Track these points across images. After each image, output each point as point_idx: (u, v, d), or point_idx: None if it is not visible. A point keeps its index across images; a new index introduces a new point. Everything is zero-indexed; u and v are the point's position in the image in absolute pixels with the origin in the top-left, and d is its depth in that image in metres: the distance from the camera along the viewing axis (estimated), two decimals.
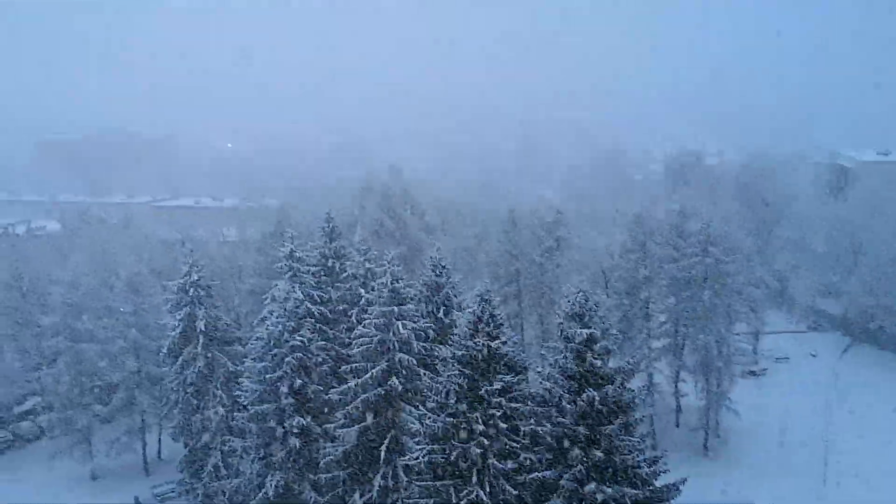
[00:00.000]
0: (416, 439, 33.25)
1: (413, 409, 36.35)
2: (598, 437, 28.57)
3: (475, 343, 31.25)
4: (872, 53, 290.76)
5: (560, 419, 29.33)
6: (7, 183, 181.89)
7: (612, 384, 29.21)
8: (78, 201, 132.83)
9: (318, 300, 45.97)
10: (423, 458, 31.60)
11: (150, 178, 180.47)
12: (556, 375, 29.89)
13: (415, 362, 37.71)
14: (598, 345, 29.48)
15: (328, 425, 40.97)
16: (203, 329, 48.71)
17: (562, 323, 30.60)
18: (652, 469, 29.74)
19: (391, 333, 37.57)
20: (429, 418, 31.79)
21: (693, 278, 57.70)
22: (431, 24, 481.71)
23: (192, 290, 49.18)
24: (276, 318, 43.07)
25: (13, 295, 67.58)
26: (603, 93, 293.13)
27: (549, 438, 29.70)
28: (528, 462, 30.42)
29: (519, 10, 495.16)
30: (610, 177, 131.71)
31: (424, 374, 37.53)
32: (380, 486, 37.44)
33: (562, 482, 28.36)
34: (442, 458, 31.27)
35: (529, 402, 31.23)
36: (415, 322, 38.84)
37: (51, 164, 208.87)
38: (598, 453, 28.17)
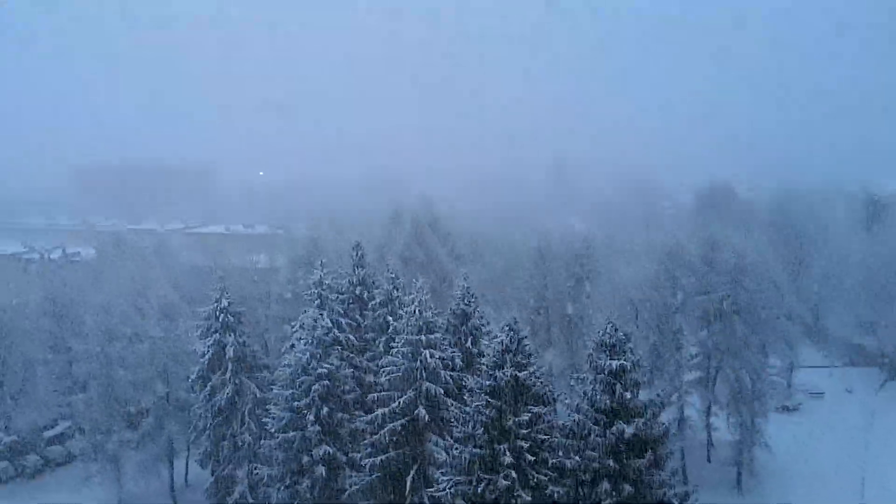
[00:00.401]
0: (443, 470, 32.97)
1: (440, 439, 36.10)
2: (627, 470, 28.12)
3: (503, 373, 31.05)
4: None
5: (589, 452, 28.92)
6: (44, 208, 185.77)
7: (642, 417, 28.80)
8: (113, 227, 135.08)
9: (347, 328, 46.14)
10: (449, 489, 31.30)
11: (184, 205, 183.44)
12: (585, 407, 29.55)
13: (442, 392, 37.53)
14: (628, 377, 29.14)
15: (354, 454, 40.81)
16: (232, 356, 49.01)
17: (591, 354, 30.34)
18: None
19: (418, 362, 37.48)
20: (455, 449, 31.54)
21: (725, 310, 56.80)
22: (462, 57, 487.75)
23: (221, 316, 49.62)
24: (304, 345, 43.19)
25: (47, 320, 68.54)
26: (632, 125, 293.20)
27: (577, 471, 29.26)
28: (555, 495, 29.97)
29: (549, 46, 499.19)
30: (640, 207, 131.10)
31: (452, 403, 37.28)
32: None
33: None
34: (468, 490, 30.92)
35: (558, 434, 30.87)
36: (442, 351, 38.73)
37: (87, 190, 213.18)
38: (628, 487, 27.70)
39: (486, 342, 39.57)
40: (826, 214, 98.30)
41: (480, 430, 31.02)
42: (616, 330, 30.00)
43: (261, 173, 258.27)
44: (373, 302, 47.99)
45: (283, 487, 43.68)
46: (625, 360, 29.18)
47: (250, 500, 48.36)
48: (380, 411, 37.68)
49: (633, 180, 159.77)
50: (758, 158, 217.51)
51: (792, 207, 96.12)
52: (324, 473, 41.92)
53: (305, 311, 45.19)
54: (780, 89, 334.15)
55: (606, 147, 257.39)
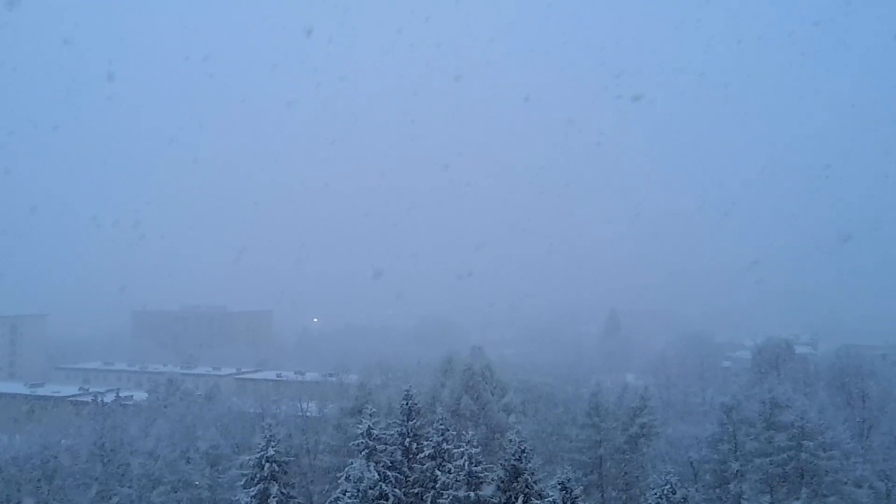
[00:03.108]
0: None
1: None
2: None
3: None
4: None
5: None
6: (102, 353, 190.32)
7: None
8: (167, 371, 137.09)
9: (394, 481, 44.99)
10: None
11: (239, 350, 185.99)
12: None
13: None
14: None
15: None
16: None
17: None
18: None
19: None
20: None
21: (788, 474, 54.02)
22: (515, 207, 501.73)
23: (266, 465, 49.02)
24: (350, 498, 42.20)
25: (95, 465, 68.60)
26: (689, 282, 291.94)
27: None
28: None
29: (605, 202, 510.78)
30: (696, 364, 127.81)
31: None
32: None
33: None
34: None
35: None
36: None
37: (145, 336, 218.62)
38: None
39: (538, 500, 38.05)
40: (891, 375, 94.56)
41: None
42: (674, 491, 28.73)
43: (315, 320, 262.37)
44: (421, 454, 47.00)
45: None
46: None
47: None
48: None
49: (688, 335, 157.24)
50: (816, 316, 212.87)
51: (854, 366, 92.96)
52: None
53: (352, 463, 44.44)
54: (840, 246, 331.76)
55: (662, 300, 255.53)
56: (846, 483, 58.19)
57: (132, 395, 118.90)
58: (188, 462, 60.58)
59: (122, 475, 66.46)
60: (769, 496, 55.70)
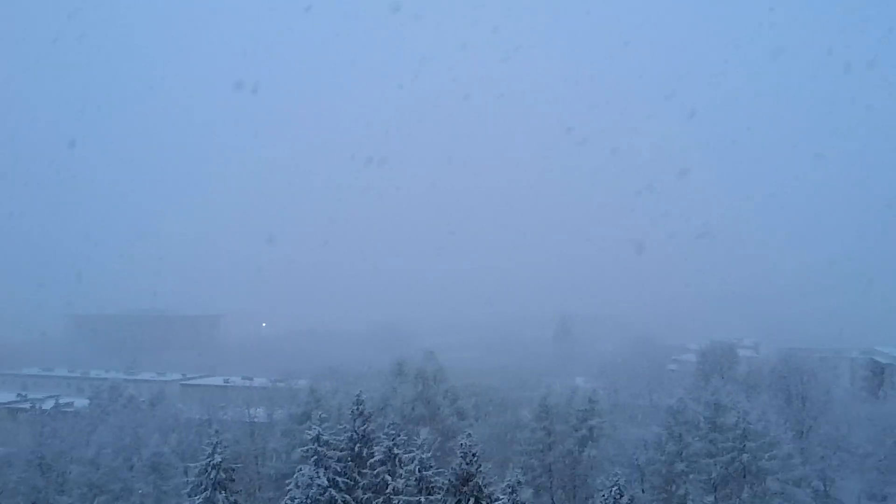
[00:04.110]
0: None
1: None
2: None
3: None
4: None
5: None
6: (41, 358, 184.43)
7: None
8: (109, 377, 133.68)
9: (343, 487, 44.62)
10: None
11: (185, 356, 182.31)
12: None
13: None
14: None
15: None
16: None
17: None
18: None
19: None
20: None
21: (731, 475, 55.22)
22: (469, 213, 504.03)
23: (213, 472, 48.11)
24: None
25: (33, 474, 66.44)
26: (637, 286, 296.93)
27: None
28: None
29: (551, 204, 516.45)
30: (643, 367, 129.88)
31: None
32: None
33: None
34: None
35: None
36: None
37: (87, 340, 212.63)
38: None
39: None
40: (831, 379, 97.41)
41: None
42: (622, 494, 29.10)
43: (264, 324, 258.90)
44: (372, 459, 46.71)
45: None
46: None
47: None
48: None
49: (636, 338, 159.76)
50: (762, 321, 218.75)
51: (794, 369, 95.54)
52: None
53: (301, 469, 43.93)
54: (783, 252, 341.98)
55: (612, 304, 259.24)
56: (787, 483, 59.78)
57: (73, 402, 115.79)
58: (131, 470, 59.16)
59: (62, 484, 64.53)
60: (713, 496, 56.82)
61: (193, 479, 49.38)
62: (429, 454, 38.85)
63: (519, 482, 31.71)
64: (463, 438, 42.53)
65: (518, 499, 30.81)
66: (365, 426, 48.58)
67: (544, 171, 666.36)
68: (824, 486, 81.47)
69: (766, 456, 55.58)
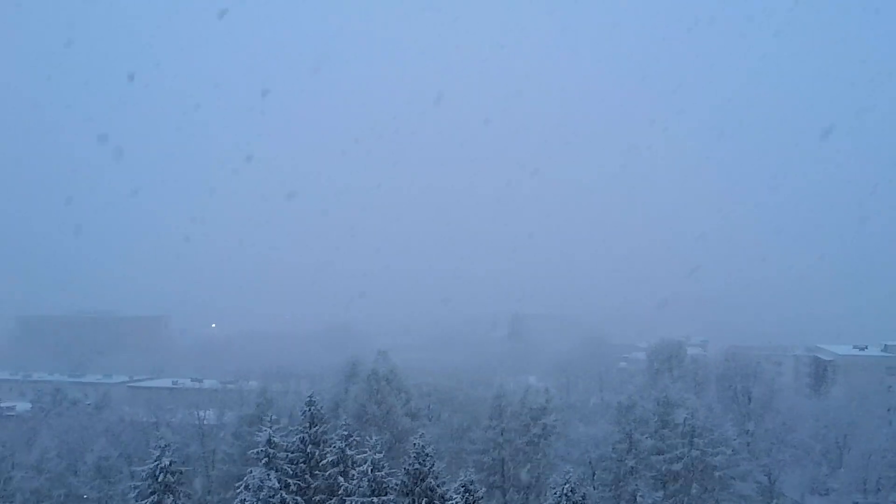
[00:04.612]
0: None
1: None
2: None
3: None
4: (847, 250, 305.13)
5: None
6: None
7: None
8: (53, 380, 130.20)
9: (295, 489, 44.17)
10: None
11: (132, 357, 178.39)
12: None
13: None
14: None
15: None
16: None
17: None
18: None
19: None
20: None
21: (680, 471, 56.20)
22: (423, 214, 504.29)
23: (161, 476, 47.16)
24: None
25: None
26: (589, 285, 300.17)
27: None
28: None
29: (510, 207, 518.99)
30: (595, 366, 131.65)
31: None
32: None
33: None
34: None
35: None
36: None
37: (31, 342, 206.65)
38: None
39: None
40: (776, 375, 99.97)
41: None
42: (573, 491, 29.40)
43: (213, 325, 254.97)
44: (324, 461, 46.32)
45: None
46: None
47: None
48: None
49: (588, 338, 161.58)
50: (710, 319, 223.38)
51: (740, 367, 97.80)
52: None
53: (251, 471, 43.35)
54: (731, 255, 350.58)
55: (565, 303, 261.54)
56: (733, 478, 61.12)
57: (14, 406, 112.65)
58: (76, 475, 57.73)
59: (4, 490, 62.67)
60: (662, 492, 57.74)
61: (140, 483, 48.35)
62: (381, 454, 38.69)
63: (472, 481, 31.73)
64: (416, 438, 42.52)
65: (471, 498, 30.85)
66: (317, 428, 48.13)
67: (498, 172, 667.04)
68: (769, 480, 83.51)
69: (714, 452, 56.68)
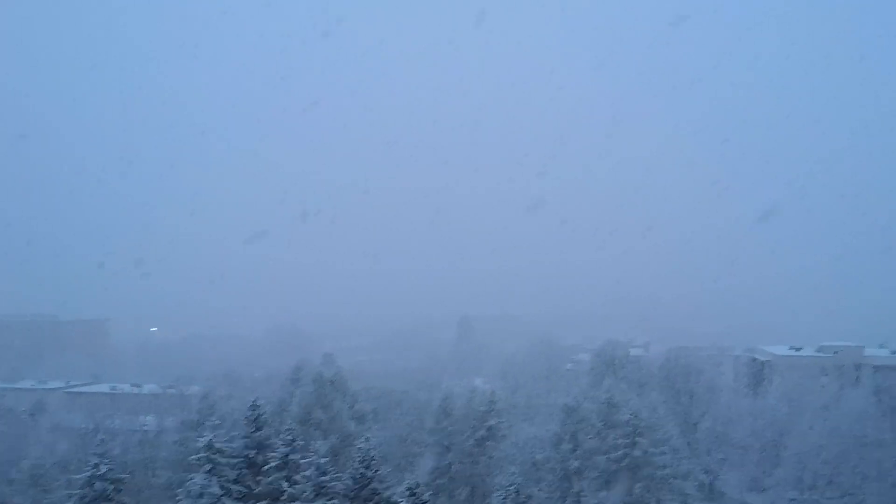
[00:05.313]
0: None
1: None
2: None
3: None
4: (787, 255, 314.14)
5: None
6: None
7: None
8: None
9: (237, 495, 43.43)
10: None
11: (69, 362, 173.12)
12: None
13: None
14: None
15: None
16: None
17: None
18: None
19: None
20: None
21: (623, 470, 57.02)
22: (374, 215, 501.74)
23: (98, 484, 45.87)
24: None
25: None
26: (537, 288, 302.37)
27: None
28: None
29: (457, 209, 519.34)
30: (541, 367, 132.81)
31: None
32: None
33: None
34: None
35: None
36: None
37: None
38: None
39: None
40: (716, 376, 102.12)
41: None
42: (518, 492, 29.55)
43: (154, 329, 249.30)
44: (267, 466, 45.66)
45: None
46: None
47: None
48: None
49: (536, 339, 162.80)
50: (653, 321, 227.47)
51: (682, 367, 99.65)
52: None
53: (192, 478, 42.48)
54: (673, 256, 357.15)
55: (514, 305, 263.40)
56: (675, 477, 62.28)
57: None
58: (10, 484, 55.85)
59: None
60: (606, 492, 58.50)
61: (77, 491, 46.91)
62: (326, 459, 38.34)
63: (418, 484, 31.67)
64: (361, 443, 42.27)
65: (417, 501, 30.78)
66: (260, 432, 47.45)
67: (444, 173, 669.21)
68: (709, 479, 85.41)
69: (657, 451, 57.65)
